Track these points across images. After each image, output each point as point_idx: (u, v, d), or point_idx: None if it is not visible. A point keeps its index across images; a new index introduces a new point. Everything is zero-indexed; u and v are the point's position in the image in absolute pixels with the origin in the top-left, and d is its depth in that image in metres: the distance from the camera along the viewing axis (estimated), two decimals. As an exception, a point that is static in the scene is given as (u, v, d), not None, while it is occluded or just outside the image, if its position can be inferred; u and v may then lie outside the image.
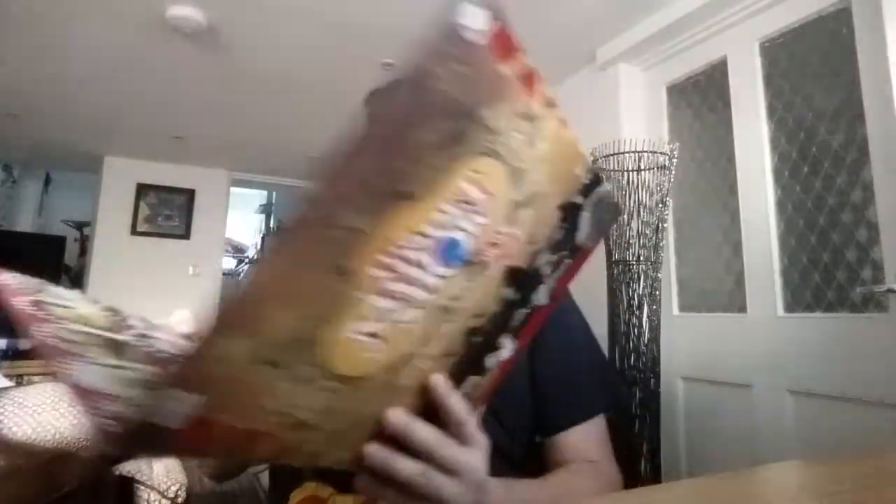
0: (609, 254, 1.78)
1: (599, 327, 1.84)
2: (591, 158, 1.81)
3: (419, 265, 0.30)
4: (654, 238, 1.71)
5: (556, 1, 1.88)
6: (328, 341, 0.29)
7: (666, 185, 1.70)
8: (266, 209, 6.58)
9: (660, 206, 1.71)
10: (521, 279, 0.36)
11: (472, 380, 0.37)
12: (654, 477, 1.65)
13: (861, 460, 0.34)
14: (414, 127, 0.28)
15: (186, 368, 0.25)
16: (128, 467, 0.99)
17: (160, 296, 3.64)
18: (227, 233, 4.57)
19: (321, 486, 0.57)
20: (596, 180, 0.38)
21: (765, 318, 1.66)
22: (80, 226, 4.57)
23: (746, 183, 1.75)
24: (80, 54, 2.31)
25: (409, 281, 0.30)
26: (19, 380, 2.50)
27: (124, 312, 0.43)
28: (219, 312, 0.25)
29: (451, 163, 0.30)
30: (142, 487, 0.98)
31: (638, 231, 1.71)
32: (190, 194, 4.13)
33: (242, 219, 6.23)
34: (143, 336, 0.41)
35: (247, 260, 6.15)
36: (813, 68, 1.63)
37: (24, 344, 3.12)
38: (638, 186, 1.71)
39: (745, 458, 1.65)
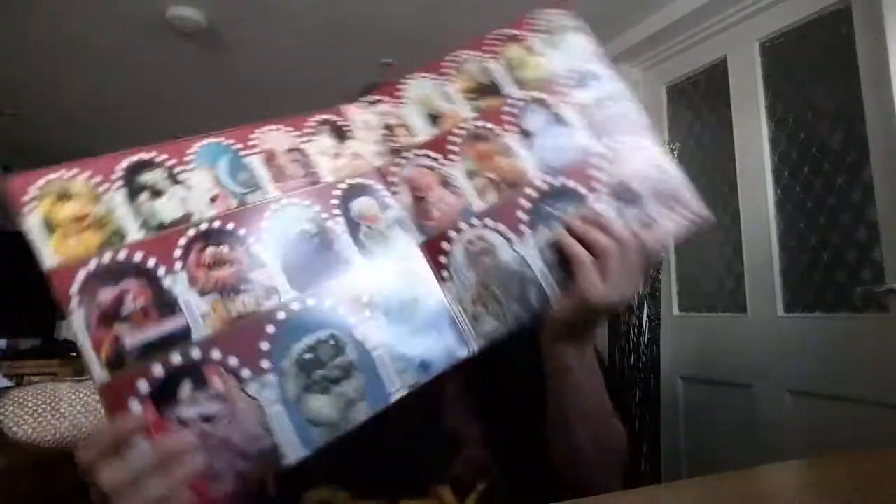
0: (609, 254, 1.77)
1: (600, 327, 1.84)
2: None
3: None
4: (654, 238, 1.71)
5: (556, 1, 1.88)
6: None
7: (666, 185, 1.70)
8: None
9: (660, 206, 1.70)
10: None
11: None
12: (654, 477, 1.65)
13: (861, 460, 0.34)
14: None
15: None
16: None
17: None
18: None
19: (335, 490, 0.55)
20: None
21: (765, 318, 1.66)
22: (80, 226, 4.56)
23: (746, 183, 1.75)
24: (79, 54, 2.30)
25: None
26: (19, 380, 2.50)
27: None
28: None
29: None
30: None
31: (638, 231, 1.71)
32: (190, 194, 4.13)
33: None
34: None
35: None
36: (813, 68, 1.63)
37: (23, 344, 3.11)
38: (638, 186, 1.71)
39: (745, 458, 1.65)
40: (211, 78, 2.55)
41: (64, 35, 2.15)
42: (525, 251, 0.51)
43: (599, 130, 0.56)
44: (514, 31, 0.59)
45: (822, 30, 1.60)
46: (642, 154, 0.56)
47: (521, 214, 0.52)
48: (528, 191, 0.52)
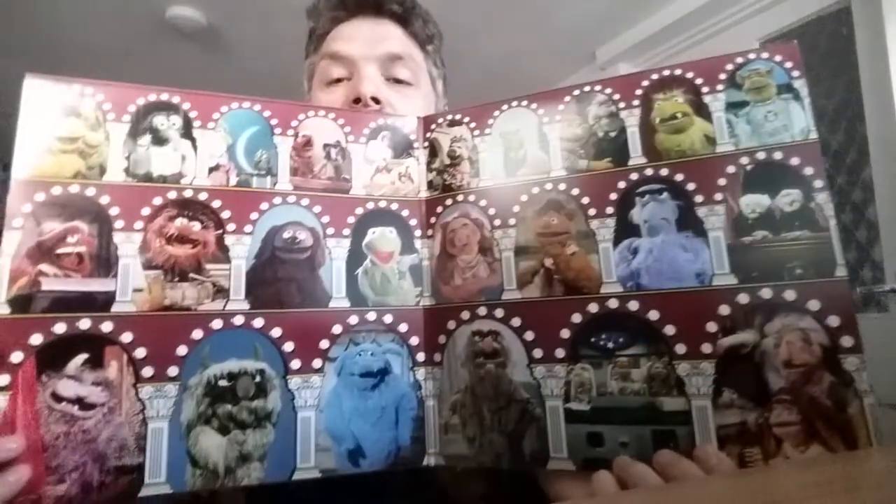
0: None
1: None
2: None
3: None
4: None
5: (556, 1, 1.88)
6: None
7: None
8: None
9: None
10: None
11: None
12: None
13: (861, 460, 0.33)
14: None
15: None
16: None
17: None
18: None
19: None
20: None
21: (765, 319, 1.64)
22: (80, 226, 4.57)
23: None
24: (79, 54, 2.30)
25: None
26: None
27: None
28: None
29: None
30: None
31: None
32: (190, 194, 4.12)
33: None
34: None
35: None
36: (813, 68, 1.62)
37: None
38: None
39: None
40: (211, 78, 2.55)
41: (64, 35, 2.15)
42: (546, 382, 0.38)
43: (749, 266, 0.36)
44: (689, 74, 0.41)
45: (822, 30, 1.60)
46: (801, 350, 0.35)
47: (563, 332, 0.38)
48: (590, 306, 0.38)
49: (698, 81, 0.41)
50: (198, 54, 2.29)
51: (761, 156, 0.38)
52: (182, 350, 0.36)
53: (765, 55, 0.40)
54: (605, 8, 1.90)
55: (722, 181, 0.38)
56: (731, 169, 0.38)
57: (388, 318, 0.41)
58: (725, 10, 1.78)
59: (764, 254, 0.36)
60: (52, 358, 0.34)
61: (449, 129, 0.46)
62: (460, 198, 0.44)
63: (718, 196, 0.38)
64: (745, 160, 0.38)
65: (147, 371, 0.35)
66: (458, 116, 0.46)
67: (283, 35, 2.18)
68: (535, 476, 0.40)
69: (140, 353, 0.35)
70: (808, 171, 0.37)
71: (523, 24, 2.01)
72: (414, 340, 0.41)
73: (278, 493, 0.39)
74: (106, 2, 1.91)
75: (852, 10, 1.47)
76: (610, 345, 0.37)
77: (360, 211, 0.43)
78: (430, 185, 0.45)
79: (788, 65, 0.40)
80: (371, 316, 0.41)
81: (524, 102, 0.45)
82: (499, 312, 0.40)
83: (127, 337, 0.35)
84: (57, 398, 0.34)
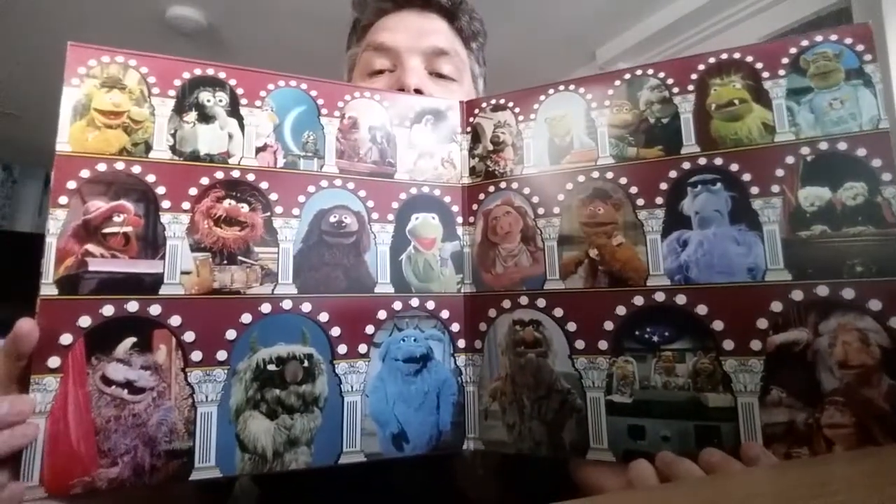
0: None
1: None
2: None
3: None
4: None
5: (556, 1, 1.87)
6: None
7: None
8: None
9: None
10: None
11: None
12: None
13: (861, 460, 0.33)
14: None
15: None
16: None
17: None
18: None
19: None
20: None
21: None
22: (80, 225, 4.55)
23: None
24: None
25: None
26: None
27: None
28: None
29: None
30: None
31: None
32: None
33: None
34: None
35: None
36: (813, 68, 1.62)
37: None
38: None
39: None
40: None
41: (64, 35, 2.14)
42: (588, 373, 0.37)
43: (805, 262, 0.35)
44: (749, 58, 0.39)
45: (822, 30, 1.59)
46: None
47: (606, 324, 0.37)
48: (635, 298, 0.37)
49: (758, 66, 0.39)
50: (198, 54, 2.28)
51: (823, 146, 0.36)
52: (231, 334, 0.35)
53: (833, 37, 0.38)
54: (605, 8, 1.90)
55: (780, 172, 0.36)
56: (789, 159, 0.36)
57: (430, 305, 0.41)
58: (725, 9, 1.77)
59: (821, 250, 0.35)
60: (101, 341, 0.33)
61: (492, 114, 0.45)
62: (503, 185, 0.43)
63: (775, 188, 0.36)
64: (805, 150, 0.36)
65: (196, 355, 0.35)
66: (501, 101, 0.45)
67: (283, 35, 2.17)
68: (566, 464, 0.40)
69: (189, 336, 0.35)
70: (876, 162, 0.35)
71: (523, 24, 2.00)
72: (455, 327, 0.41)
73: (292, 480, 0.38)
74: (106, 2, 1.90)
75: (852, 11, 1.47)
76: (655, 338, 0.36)
77: (403, 196, 0.42)
78: (473, 171, 0.44)
79: (860, 47, 0.38)
80: (414, 302, 0.40)
81: (571, 87, 0.43)
82: (540, 302, 0.39)
83: (175, 320, 0.35)
84: (107, 382, 0.33)
